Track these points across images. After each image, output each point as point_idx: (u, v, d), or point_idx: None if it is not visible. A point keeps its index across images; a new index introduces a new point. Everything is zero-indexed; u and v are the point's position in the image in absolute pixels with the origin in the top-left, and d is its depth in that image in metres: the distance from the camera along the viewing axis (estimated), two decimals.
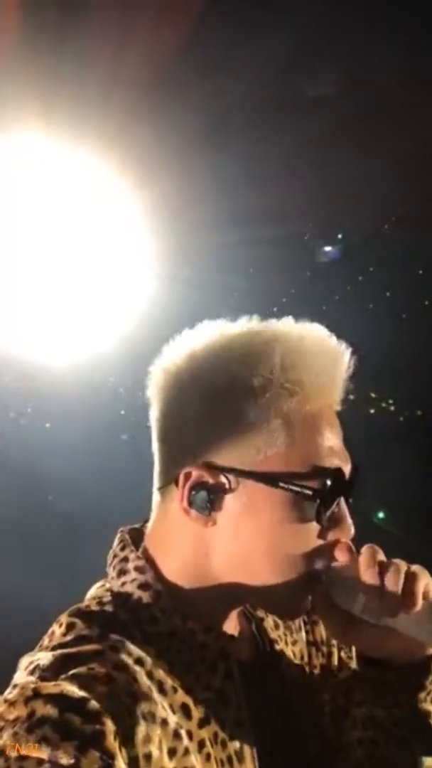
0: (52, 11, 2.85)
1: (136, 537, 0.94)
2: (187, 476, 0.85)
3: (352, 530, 0.87)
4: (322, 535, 0.85)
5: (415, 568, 0.84)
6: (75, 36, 3.02)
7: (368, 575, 0.83)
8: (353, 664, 1.05)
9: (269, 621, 1.02)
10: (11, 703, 0.70)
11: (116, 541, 0.94)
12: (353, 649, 0.95)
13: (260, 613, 1.02)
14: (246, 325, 0.91)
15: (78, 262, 2.58)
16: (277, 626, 1.03)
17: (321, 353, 0.88)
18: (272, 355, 0.85)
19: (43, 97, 2.67)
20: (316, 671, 1.04)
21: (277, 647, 1.00)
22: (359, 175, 5.59)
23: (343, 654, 1.07)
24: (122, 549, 0.92)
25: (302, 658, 1.03)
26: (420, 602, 0.81)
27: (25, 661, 0.79)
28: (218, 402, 0.85)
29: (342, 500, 0.87)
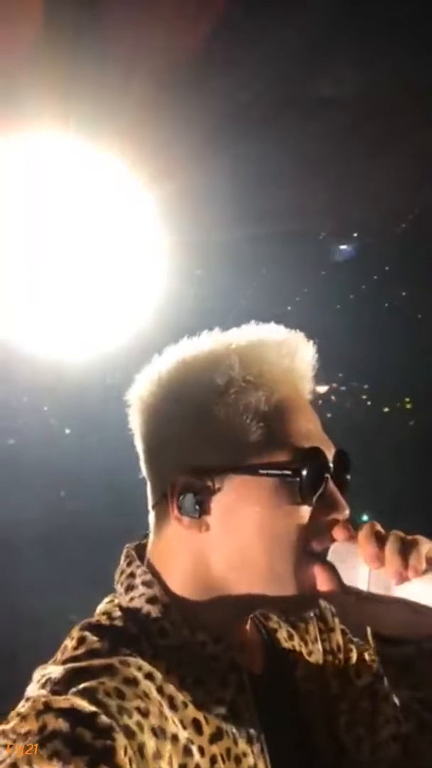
0: (70, 10, 2.86)
1: (142, 553, 0.95)
2: (174, 486, 0.86)
3: (347, 510, 0.87)
4: (315, 516, 0.86)
5: (414, 536, 0.85)
6: (92, 34, 3.03)
7: (368, 547, 0.83)
8: (375, 666, 1.04)
9: (282, 632, 1.01)
10: (23, 717, 0.70)
11: (123, 557, 0.94)
12: (369, 632, 0.93)
13: (273, 625, 1.01)
14: (204, 338, 0.94)
15: (92, 260, 2.59)
16: (291, 637, 1.02)
17: (276, 345, 0.91)
18: (231, 355, 0.89)
19: (60, 93, 2.68)
20: (333, 681, 1.03)
21: (291, 659, 0.99)
22: (376, 174, 5.55)
23: (367, 656, 1.07)
24: (129, 565, 0.92)
25: (318, 669, 1.02)
26: (424, 565, 0.81)
27: (37, 674, 0.79)
28: (190, 408, 0.88)
29: (330, 481, 0.87)
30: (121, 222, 2.50)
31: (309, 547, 0.86)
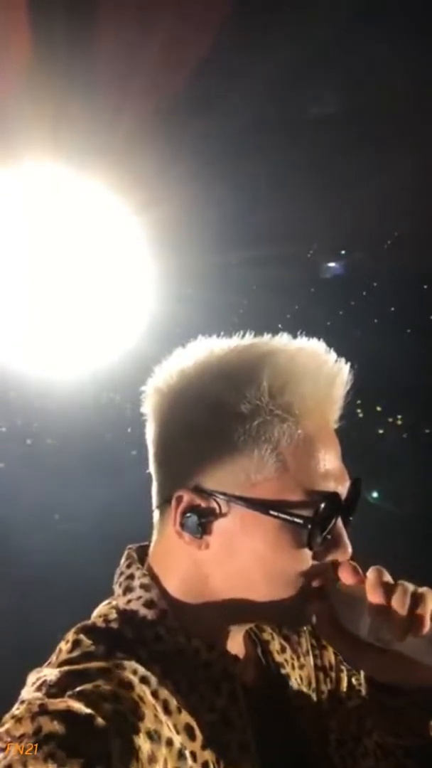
0: (60, 37, 2.91)
1: (143, 555, 0.94)
2: (179, 499, 0.85)
3: (349, 550, 0.86)
4: (317, 556, 0.84)
5: (422, 590, 0.82)
6: (81, 62, 3.08)
7: (375, 597, 0.81)
8: (364, 691, 1.01)
9: (275, 644, 1.01)
10: (18, 720, 0.69)
11: (123, 559, 0.94)
12: (362, 674, 0.92)
13: (266, 636, 1.01)
14: (238, 342, 0.89)
15: (83, 282, 2.61)
16: (283, 649, 1.01)
17: (313, 373, 0.84)
18: (261, 378, 0.82)
19: (49, 120, 2.71)
20: (324, 697, 1.02)
21: (283, 671, 0.98)
22: (363, 192, 5.63)
23: (354, 680, 1.05)
24: (128, 566, 0.92)
25: (309, 683, 1.01)
26: (428, 625, 0.79)
27: (32, 677, 0.79)
28: (207, 427, 0.84)
29: (339, 521, 0.85)
30: (111, 244, 2.52)
31: (309, 585, 0.84)
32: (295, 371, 0.84)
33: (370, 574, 0.84)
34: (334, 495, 0.83)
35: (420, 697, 0.85)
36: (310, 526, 0.81)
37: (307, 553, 0.83)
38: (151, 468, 0.92)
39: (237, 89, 3.82)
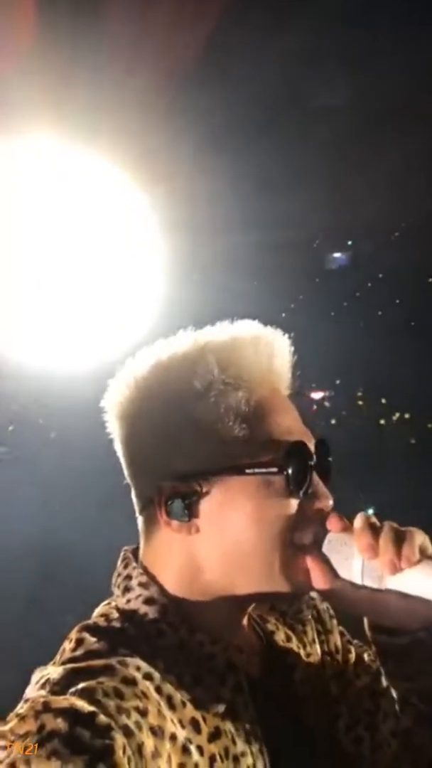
0: (65, 9, 2.87)
1: (138, 556, 0.95)
2: (160, 491, 0.87)
3: (331, 499, 0.90)
4: (302, 508, 0.87)
5: (409, 528, 0.86)
6: (88, 39, 3.04)
7: (363, 538, 0.84)
8: (374, 666, 1.05)
9: (280, 634, 1.01)
10: (21, 718, 0.70)
11: (120, 560, 0.95)
12: (365, 623, 0.93)
13: (270, 627, 1.02)
14: (179, 338, 0.94)
15: (87, 265, 2.58)
16: (288, 639, 1.02)
17: (252, 346, 0.91)
18: (207, 357, 0.88)
19: (57, 97, 2.69)
20: (332, 684, 1.03)
21: (289, 661, 0.99)
22: (371, 182, 5.59)
23: (366, 656, 1.07)
24: (125, 567, 0.93)
25: (317, 671, 1.02)
26: (417, 555, 0.82)
27: (36, 676, 0.80)
28: (169, 413, 0.88)
29: (314, 473, 0.89)
30: (117, 228, 2.50)
31: (299, 539, 0.87)
32: (236, 346, 0.90)
33: (358, 518, 0.87)
34: (300, 443, 0.88)
35: (423, 635, 0.86)
36: (285, 473, 0.85)
37: (292, 504, 0.87)
38: (127, 477, 0.95)
39: (248, 72, 3.78)
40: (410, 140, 4.92)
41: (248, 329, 0.94)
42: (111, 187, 2.54)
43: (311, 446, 0.91)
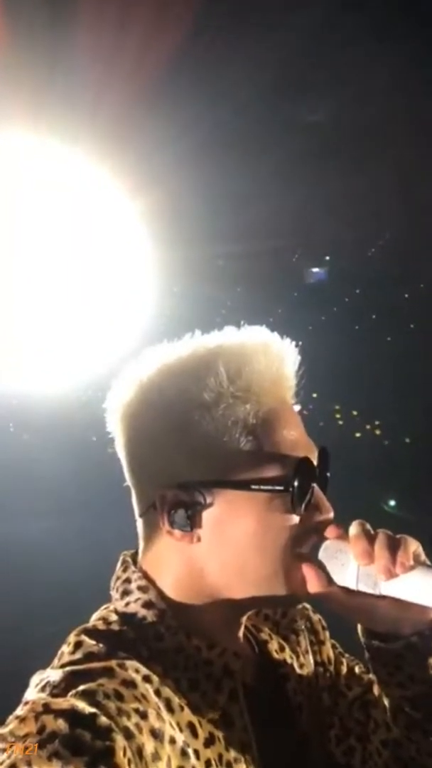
0: (45, 15, 2.85)
1: (137, 560, 0.96)
2: (163, 499, 0.87)
3: (332, 512, 0.91)
4: (303, 521, 0.89)
5: (404, 535, 0.87)
6: (71, 42, 3.03)
7: (359, 544, 0.86)
8: (366, 677, 1.06)
9: (274, 644, 1.02)
10: (22, 719, 0.69)
11: (119, 564, 0.95)
12: (359, 629, 0.94)
13: (264, 637, 1.02)
14: (186, 343, 0.94)
15: (69, 277, 2.56)
16: (282, 649, 1.02)
17: (263, 354, 0.90)
18: (217, 367, 0.88)
19: (37, 102, 2.66)
20: (324, 694, 1.04)
21: (282, 671, 0.99)
22: (349, 196, 5.66)
23: (357, 669, 1.08)
24: (124, 570, 0.93)
25: (310, 681, 1.03)
26: (412, 562, 0.83)
27: (35, 679, 0.79)
28: (176, 422, 0.88)
29: (317, 487, 0.90)
30: (100, 237, 2.48)
31: (298, 549, 0.89)
32: (247, 355, 0.90)
33: (353, 526, 0.89)
34: (306, 460, 0.88)
35: (417, 640, 0.87)
36: (291, 491, 0.86)
37: (294, 519, 0.88)
38: (128, 479, 0.94)
39: (229, 82, 3.81)
40: (390, 156, 5.00)
41: (258, 337, 0.93)
42: (93, 199, 2.52)
43: (314, 458, 0.91)
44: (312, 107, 4.79)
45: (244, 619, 0.96)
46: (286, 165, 5.09)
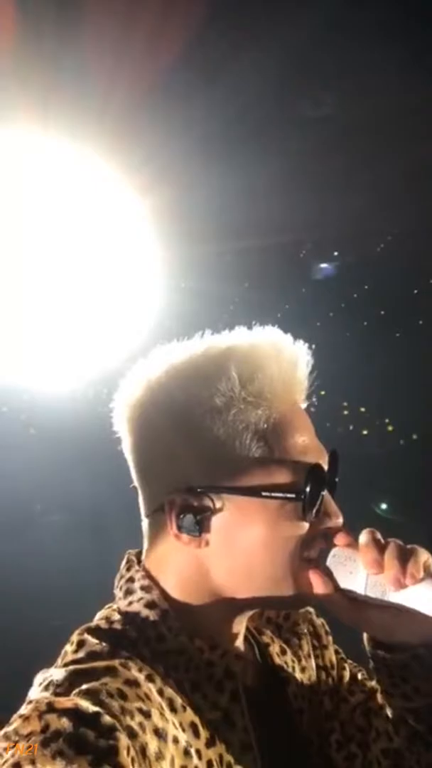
0: (53, 14, 2.85)
1: (141, 559, 0.95)
2: (172, 503, 0.86)
3: (341, 517, 0.90)
4: (313, 527, 0.87)
5: (414, 545, 0.86)
6: (79, 40, 3.03)
7: (369, 553, 0.85)
8: (369, 684, 1.05)
9: (275, 647, 1.01)
10: (25, 718, 0.69)
11: (123, 563, 0.95)
12: (365, 638, 0.93)
13: (265, 640, 1.01)
14: (197, 343, 0.91)
15: (73, 275, 2.56)
16: (284, 652, 1.02)
17: (276, 357, 0.88)
18: (229, 370, 0.86)
19: (45, 99, 2.66)
20: (325, 698, 1.03)
21: (283, 674, 0.99)
22: (357, 193, 5.64)
23: (359, 675, 1.07)
24: (128, 570, 0.92)
25: (312, 686, 1.02)
26: (422, 573, 0.83)
27: (39, 678, 0.79)
28: (186, 426, 0.86)
29: (327, 493, 0.89)
30: (107, 235, 2.48)
31: (307, 555, 0.87)
32: (259, 358, 0.87)
33: (363, 534, 0.87)
34: (318, 466, 0.87)
35: (424, 651, 0.86)
36: (303, 498, 0.84)
37: (304, 525, 0.86)
38: (135, 480, 0.93)
39: (237, 79, 3.79)
40: (397, 152, 4.97)
41: (269, 339, 0.91)
42: (101, 196, 2.53)
43: (324, 462, 0.90)
44: (321, 103, 4.78)
45: (246, 620, 0.95)
46: (295, 161, 5.08)
